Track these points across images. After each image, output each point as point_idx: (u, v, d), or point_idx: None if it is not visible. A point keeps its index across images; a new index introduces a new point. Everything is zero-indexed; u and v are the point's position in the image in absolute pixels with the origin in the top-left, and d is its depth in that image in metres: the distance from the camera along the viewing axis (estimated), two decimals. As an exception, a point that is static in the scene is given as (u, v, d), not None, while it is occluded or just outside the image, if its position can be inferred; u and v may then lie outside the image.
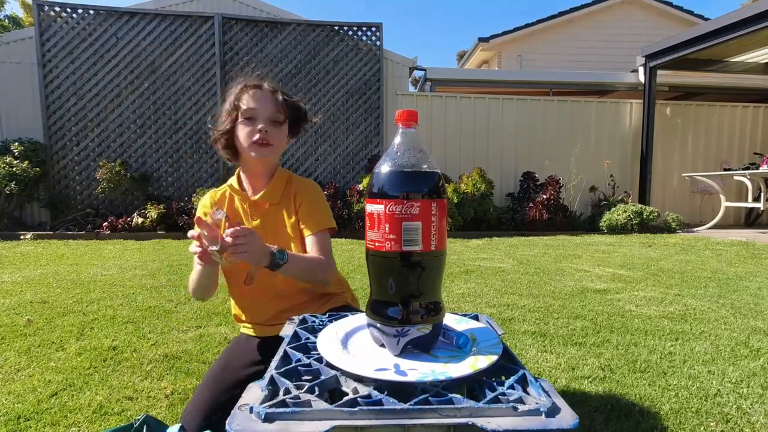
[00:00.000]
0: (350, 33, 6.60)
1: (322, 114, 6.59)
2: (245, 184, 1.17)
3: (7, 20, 12.67)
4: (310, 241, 1.10)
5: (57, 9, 5.97)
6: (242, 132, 1.09)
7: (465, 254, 4.28)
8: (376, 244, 0.60)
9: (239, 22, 6.36)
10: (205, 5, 6.52)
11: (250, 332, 1.19)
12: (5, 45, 6.05)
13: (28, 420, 1.31)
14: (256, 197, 1.14)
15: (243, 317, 1.21)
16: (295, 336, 0.72)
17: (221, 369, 1.10)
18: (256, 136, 1.06)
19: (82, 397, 1.44)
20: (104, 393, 1.47)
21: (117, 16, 6.09)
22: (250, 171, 1.16)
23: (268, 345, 1.13)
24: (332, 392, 0.57)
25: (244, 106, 1.08)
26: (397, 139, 0.62)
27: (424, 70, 7.27)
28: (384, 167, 0.61)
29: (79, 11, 6.02)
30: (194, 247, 0.88)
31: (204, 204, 1.19)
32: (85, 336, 2.01)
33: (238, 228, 0.85)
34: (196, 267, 1.00)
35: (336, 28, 6.56)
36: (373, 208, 0.61)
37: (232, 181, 1.18)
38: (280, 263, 0.93)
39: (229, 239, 0.84)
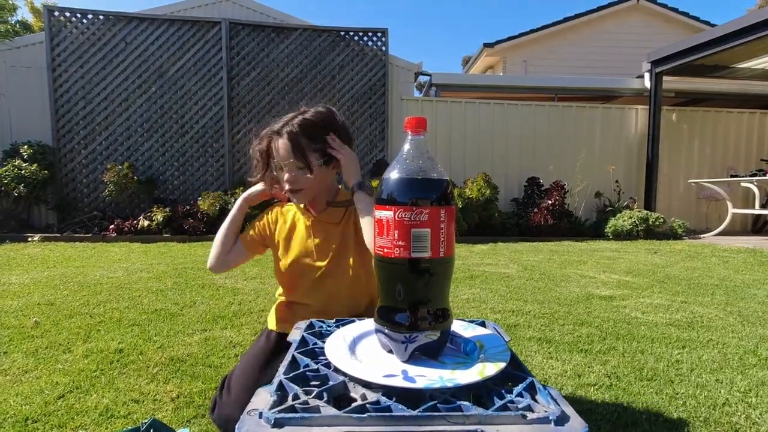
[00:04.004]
0: (356, 38, 6.64)
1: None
2: (310, 207, 1.22)
3: (18, 25, 12.84)
4: None
5: (67, 14, 6.06)
6: (279, 179, 1.16)
7: (470, 259, 4.27)
8: (385, 250, 0.61)
9: (246, 27, 6.41)
10: (212, 11, 6.59)
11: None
12: (16, 49, 6.13)
13: (36, 422, 1.32)
14: (319, 215, 1.19)
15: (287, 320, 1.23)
16: (303, 341, 0.73)
17: (261, 351, 1.17)
18: (286, 186, 1.11)
19: (89, 400, 1.45)
20: (111, 395, 1.48)
21: (126, 21, 6.16)
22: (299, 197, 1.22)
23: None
24: (340, 398, 0.57)
25: (273, 156, 1.13)
26: (406, 146, 0.63)
27: (429, 75, 7.30)
28: (393, 174, 0.61)
29: (89, 16, 6.10)
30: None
31: (268, 213, 1.27)
32: (92, 338, 2.02)
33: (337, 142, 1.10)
34: (223, 238, 1.21)
35: (342, 33, 6.60)
36: (382, 214, 0.61)
37: (294, 205, 1.25)
38: (368, 188, 1.09)
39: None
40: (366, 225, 1.06)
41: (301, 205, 1.20)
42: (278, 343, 1.19)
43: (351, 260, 1.16)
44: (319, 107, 1.15)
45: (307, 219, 1.20)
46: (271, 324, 1.24)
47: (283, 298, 1.26)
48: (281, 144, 1.09)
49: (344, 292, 1.16)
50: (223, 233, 1.23)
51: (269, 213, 1.26)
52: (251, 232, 1.25)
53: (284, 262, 1.20)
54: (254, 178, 1.21)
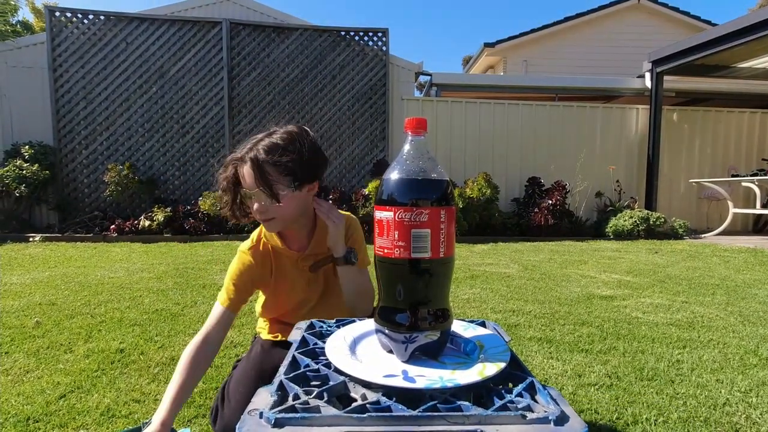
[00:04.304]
0: (356, 38, 6.64)
1: (328, 119, 6.63)
2: (287, 238, 1.13)
3: (19, 25, 12.86)
4: None
5: (68, 14, 6.07)
6: (249, 207, 1.06)
7: (470, 259, 4.27)
8: (385, 250, 0.61)
9: (246, 27, 6.42)
10: (213, 11, 6.59)
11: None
12: (17, 50, 6.14)
13: (37, 422, 1.32)
14: (307, 251, 1.10)
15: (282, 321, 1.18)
16: (303, 341, 0.73)
17: (258, 362, 1.09)
18: (256, 216, 1.03)
19: (90, 400, 1.45)
20: (112, 395, 1.48)
21: (127, 22, 6.17)
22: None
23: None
24: (340, 398, 0.57)
25: (240, 184, 1.04)
26: (407, 147, 0.63)
27: (430, 75, 7.30)
28: (393, 174, 0.61)
29: (90, 17, 6.11)
30: None
31: (248, 260, 1.10)
32: (93, 338, 2.02)
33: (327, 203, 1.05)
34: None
35: (342, 33, 6.60)
36: (382, 215, 0.61)
37: (270, 238, 1.11)
38: (353, 260, 1.03)
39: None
40: (347, 291, 1.07)
41: (278, 242, 1.11)
42: (271, 351, 1.14)
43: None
44: (289, 126, 1.05)
45: (289, 258, 1.11)
46: (263, 333, 1.21)
47: (268, 318, 1.22)
48: (246, 172, 1.00)
49: (338, 314, 1.11)
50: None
51: (240, 262, 1.11)
52: (232, 294, 1.09)
53: (274, 301, 1.15)
54: (223, 210, 1.09)
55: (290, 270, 1.12)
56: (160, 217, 5.62)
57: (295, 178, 1.01)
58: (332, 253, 1.08)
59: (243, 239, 1.19)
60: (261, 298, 1.20)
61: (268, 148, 0.99)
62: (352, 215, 1.18)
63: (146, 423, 0.90)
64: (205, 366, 1.03)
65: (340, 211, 1.13)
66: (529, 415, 0.47)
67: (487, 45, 10.50)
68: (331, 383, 0.56)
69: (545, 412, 0.48)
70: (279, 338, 1.16)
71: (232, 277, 1.10)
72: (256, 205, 1.01)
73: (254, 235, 1.14)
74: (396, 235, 0.59)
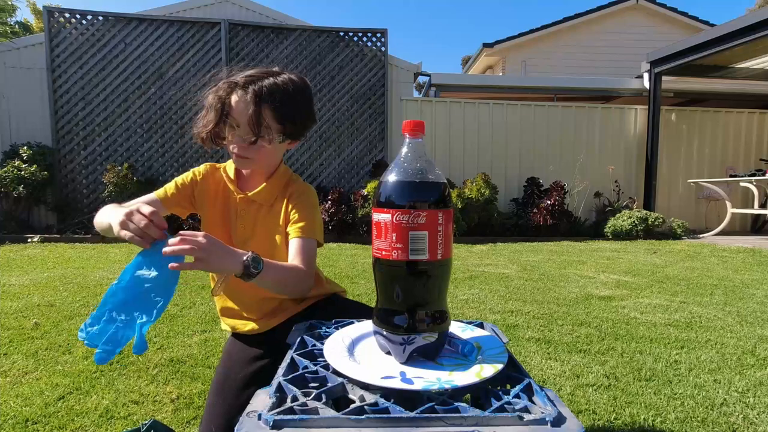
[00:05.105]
0: (355, 39, 6.65)
1: (327, 119, 6.63)
2: (243, 175, 1.09)
3: (17, 26, 12.84)
4: (294, 244, 0.98)
5: (67, 15, 6.06)
6: (227, 135, 0.98)
7: (469, 260, 4.27)
8: (383, 252, 0.61)
9: (245, 27, 6.42)
10: (212, 11, 6.59)
11: (245, 328, 1.10)
12: (16, 50, 6.13)
13: (36, 423, 1.32)
14: (250, 194, 1.04)
15: (236, 313, 1.11)
16: (302, 343, 0.73)
17: (224, 377, 1.05)
18: (234, 149, 0.97)
19: (89, 401, 1.45)
20: (110, 397, 1.48)
21: (125, 22, 6.17)
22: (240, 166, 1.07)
23: (263, 338, 1.08)
24: (338, 400, 0.58)
25: (229, 109, 0.96)
26: (404, 149, 0.63)
27: (429, 75, 7.30)
28: (391, 177, 0.62)
29: (89, 17, 6.10)
30: (134, 226, 0.80)
31: (199, 172, 1.07)
32: (92, 339, 2.02)
33: (186, 232, 0.77)
34: (117, 227, 0.83)
35: (341, 33, 6.61)
36: (380, 217, 0.61)
37: (229, 169, 1.08)
38: (254, 273, 0.80)
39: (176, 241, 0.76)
40: (270, 290, 0.91)
41: (231, 175, 1.06)
42: (231, 352, 1.09)
43: (276, 250, 1.03)
44: (293, 74, 0.99)
45: (236, 194, 1.05)
46: (223, 325, 1.15)
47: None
48: (241, 102, 0.93)
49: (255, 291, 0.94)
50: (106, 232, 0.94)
51: (193, 172, 1.08)
52: (172, 190, 1.04)
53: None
54: (201, 129, 1.00)
55: (227, 206, 1.07)
56: (158, 217, 5.61)
57: (285, 130, 0.97)
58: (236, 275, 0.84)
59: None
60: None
61: (272, 89, 0.93)
62: (301, 183, 1.10)
63: (145, 424, 0.91)
64: None
65: (302, 181, 1.09)
66: (526, 417, 0.47)
67: (485, 45, 10.51)
68: (330, 385, 0.57)
69: (542, 413, 0.48)
70: (234, 330, 1.11)
71: (178, 180, 1.07)
72: (236, 139, 0.96)
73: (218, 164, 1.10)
74: (394, 237, 0.60)
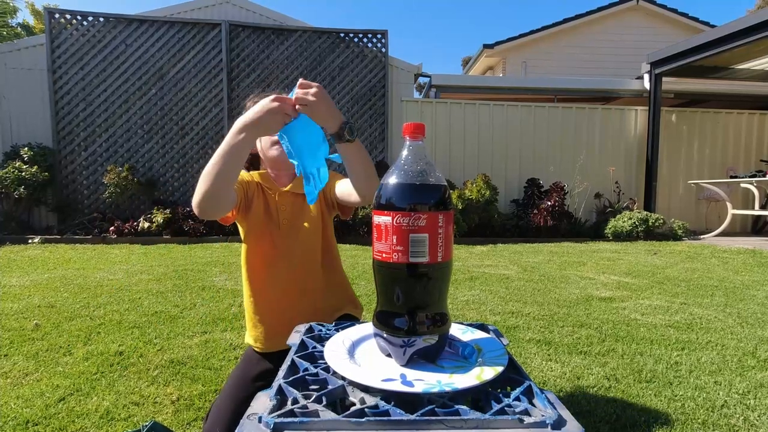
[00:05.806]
0: (356, 40, 6.65)
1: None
2: (271, 177, 1.21)
3: (18, 27, 12.86)
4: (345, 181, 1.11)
5: (68, 16, 6.07)
6: (265, 143, 1.14)
7: (469, 261, 4.27)
8: (384, 255, 0.61)
9: (246, 29, 6.43)
10: (212, 12, 6.60)
11: (260, 346, 1.16)
12: (17, 51, 6.14)
13: (37, 425, 1.32)
14: (286, 188, 1.17)
15: (258, 327, 1.17)
16: (302, 345, 0.73)
17: (241, 380, 1.09)
18: (274, 153, 1.11)
19: (90, 402, 1.45)
20: (111, 398, 1.48)
21: (126, 23, 6.18)
22: (274, 168, 1.20)
23: (277, 359, 1.11)
24: (339, 402, 0.58)
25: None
26: (405, 152, 0.63)
27: (429, 76, 7.31)
28: (391, 179, 0.62)
29: (89, 18, 6.11)
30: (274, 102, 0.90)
31: (241, 177, 1.15)
32: (92, 341, 2.02)
33: (304, 81, 0.91)
34: (228, 157, 0.87)
35: (342, 34, 6.61)
36: (380, 219, 0.61)
37: (255, 175, 1.20)
38: (347, 137, 0.92)
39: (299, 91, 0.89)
40: (355, 172, 0.99)
41: (262, 179, 1.18)
42: (251, 364, 1.14)
43: (320, 233, 1.17)
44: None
45: (273, 192, 1.17)
46: (247, 337, 1.21)
47: (251, 300, 1.18)
48: None
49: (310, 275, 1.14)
50: (222, 166, 0.88)
51: (241, 175, 1.16)
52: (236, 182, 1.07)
53: (255, 243, 1.15)
54: (266, 150, 1.14)
55: (268, 207, 1.17)
56: (159, 218, 5.61)
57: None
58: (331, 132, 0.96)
59: (241, 241, 1.19)
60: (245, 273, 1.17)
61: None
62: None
63: (145, 426, 0.90)
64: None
65: None
66: (527, 419, 0.47)
67: (486, 46, 10.51)
68: (330, 387, 0.57)
69: (542, 416, 0.48)
70: (261, 349, 1.16)
71: None
72: (276, 154, 1.11)
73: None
74: (394, 240, 0.60)
